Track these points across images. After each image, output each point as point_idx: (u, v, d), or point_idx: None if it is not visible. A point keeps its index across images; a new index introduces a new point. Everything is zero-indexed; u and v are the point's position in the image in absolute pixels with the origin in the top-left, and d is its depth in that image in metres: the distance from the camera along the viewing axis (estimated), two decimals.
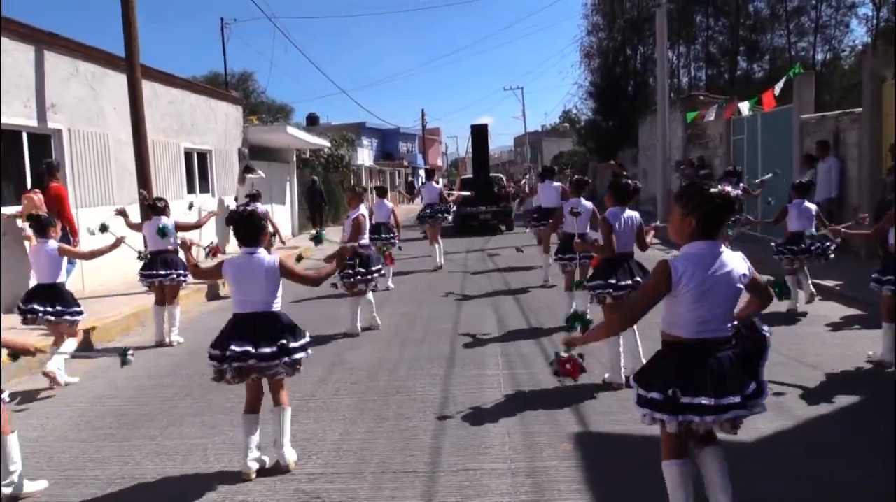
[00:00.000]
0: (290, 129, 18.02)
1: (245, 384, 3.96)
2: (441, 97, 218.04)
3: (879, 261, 5.99)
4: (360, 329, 7.47)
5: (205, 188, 15.15)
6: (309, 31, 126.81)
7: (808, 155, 12.61)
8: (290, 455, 4.00)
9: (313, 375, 5.89)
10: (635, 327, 4.78)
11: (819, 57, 33.35)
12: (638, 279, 5.24)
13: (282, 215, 19.29)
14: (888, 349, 5.41)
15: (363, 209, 7.66)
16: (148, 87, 12.60)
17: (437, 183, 14.71)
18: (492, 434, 4.38)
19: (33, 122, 9.48)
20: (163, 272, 7.42)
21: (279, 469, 3.96)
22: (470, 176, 22.67)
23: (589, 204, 6.99)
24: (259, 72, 68.71)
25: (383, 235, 10.32)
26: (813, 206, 7.57)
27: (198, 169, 14.82)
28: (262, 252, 3.98)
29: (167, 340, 7.45)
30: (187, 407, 5.24)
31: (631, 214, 5.39)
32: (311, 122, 44.76)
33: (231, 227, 4.02)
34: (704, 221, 2.77)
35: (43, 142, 9.88)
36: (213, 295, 10.50)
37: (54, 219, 6.11)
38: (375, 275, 7.48)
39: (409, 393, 5.27)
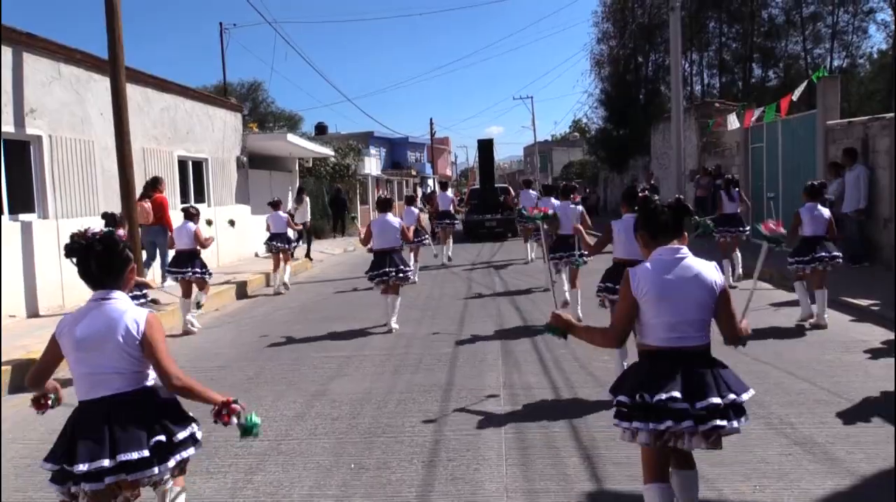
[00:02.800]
0: (291, 137, 17.43)
1: None
2: (450, 107, 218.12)
3: None
4: (395, 326, 8.07)
5: (200, 198, 14.55)
6: (315, 40, 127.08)
7: (833, 163, 11.89)
8: None
9: (291, 409, 5.25)
10: None
11: (836, 63, 32.54)
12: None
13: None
14: None
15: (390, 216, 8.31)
16: (139, 93, 12.08)
17: (450, 193, 16.77)
18: (487, 491, 3.70)
19: (10, 128, 8.92)
20: (183, 269, 8.54)
21: None
22: (477, 186, 24.52)
23: (558, 202, 7.88)
24: (268, 82, 68.22)
25: (415, 238, 11.61)
26: (826, 211, 7.26)
27: (193, 178, 14.24)
28: (119, 299, 2.70)
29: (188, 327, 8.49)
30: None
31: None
32: (320, 132, 44.36)
33: (72, 259, 2.73)
34: (647, 229, 2.89)
35: (21, 148, 9.32)
36: (241, 294, 11.64)
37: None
38: (407, 272, 8.14)
39: (397, 435, 4.60)
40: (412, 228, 10.27)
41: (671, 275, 2.74)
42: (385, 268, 7.90)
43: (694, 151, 20.70)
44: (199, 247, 8.64)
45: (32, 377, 2.80)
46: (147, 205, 10.72)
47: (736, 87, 33.34)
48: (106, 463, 2.45)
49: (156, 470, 2.55)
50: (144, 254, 10.73)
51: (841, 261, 7.24)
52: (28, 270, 9.12)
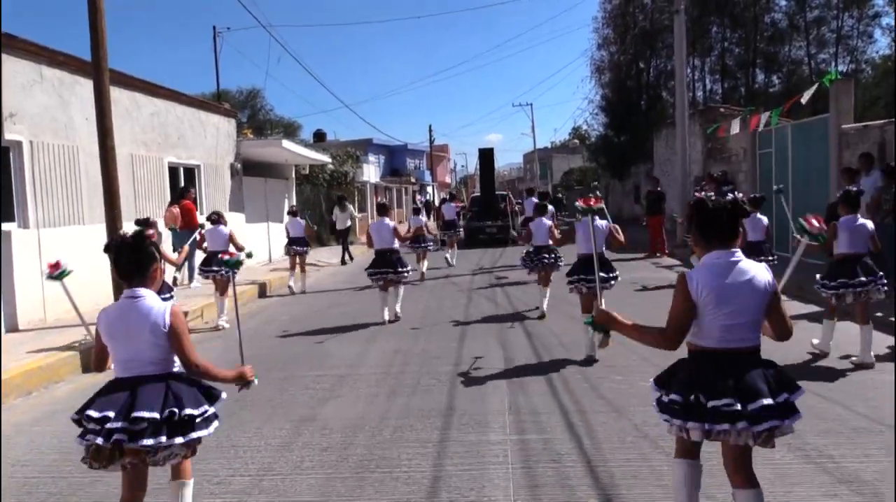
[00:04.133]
0: (286, 143, 16.99)
1: (122, 472, 2.92)
2: (449, 114, 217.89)
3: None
4: (387, 318, 8.91)
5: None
6: (313, 46, 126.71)
7: (847, 168, 11.42)
8: None
9: (277, 437, 4.79)
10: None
11: (840, 68, 32.16)
12: (606, 273, 6.67)
13: (279, 234, 18.23)
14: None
15: (387, 221, 9.24)
16: (127, 97, 11.67)
17: (455, 203, 18.49)
18: None
19: None
20: (215, 268, 9.10)
21: None
22: (478, 194, 25.70)
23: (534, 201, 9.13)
24: (264, 88, 67.64)
25: (421, 243, 13.76)
26: (870, 224, 6.11)
27: (184, 185, 13.79)
28: (148, 296, 2.96)
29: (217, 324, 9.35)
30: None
31: (600, 222, 6.67)
32: (319, 139, 44.01)
33: (110, 256, 3.04)
34: (703, 232, 2.80)
35: None
36: (262, 293, 12.61)
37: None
38: (404, 274, 9.12)
39: (391, 469, 4.13)
40: (413, 231, 12.40)
41: (728, 280, 2.71)
42: (383, 268, 8.98)
43: (699, 157, 20.27)
44: (233, 248, 9.05)
45: (95, 363, 3.16)
46: (176, 210, 11.93)
47: (738, 93, 33.00)
48: (111, 413, 2.73)
49: (163, 438, 2.75)
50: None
51: (885, 285, 6.08)
52: (7, 283, 8.66)
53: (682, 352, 2.90)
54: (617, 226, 7.04)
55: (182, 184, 13.66)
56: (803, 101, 13.79)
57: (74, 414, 2.90)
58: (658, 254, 16.21)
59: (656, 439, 4.35)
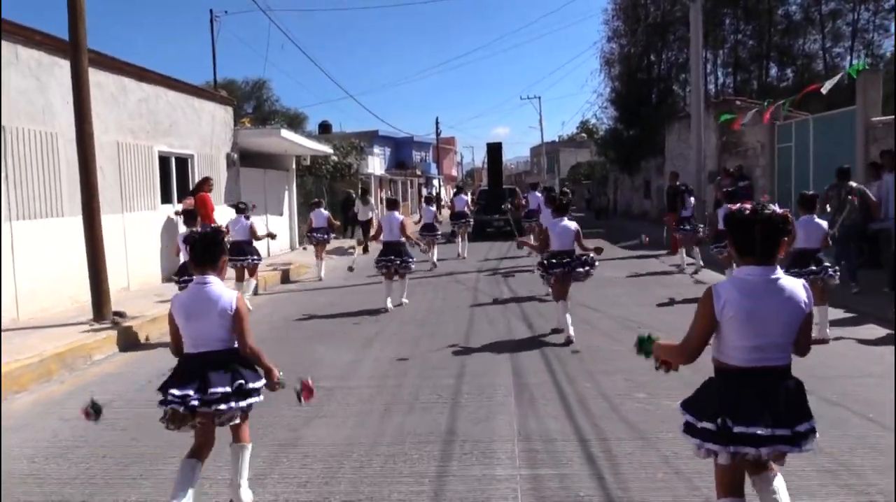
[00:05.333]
0: (285, 133, 16.28)
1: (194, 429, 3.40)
2: (456, 106, 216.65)
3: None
4: (390, 306, 9.38)
5: (185, 197, 13.45)
6: (318, 35, 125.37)
7: (873, 163, 10.76)
8: (247, 496, 3.57)
9: (251, 467, 4.12)
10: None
11: (855, 62, 31.26)
12: (570, 264, 7.39)
13: (279, 227, 17.61)
14: None
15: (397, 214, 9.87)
16: (113, 81, 11.02)
17: (466, 195, 19.34)
18: None
19: None
20: (239, 257, 9.86)
21: None
22: (485, 187, 26.83)
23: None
24: (263, 75, 66.73)
25: (431, 232, 14.62)
26: (823, 223, 6.86)
27: (176, 175, 13.16)
28: (215, 283, 3.42)
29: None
30: None
31: (567, 223, 7.52)
32: (324, 130, 43.31)
33: (189, 248, 3.50)
34: (738, 244, 2.65)
35: None
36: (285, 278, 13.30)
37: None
38: (409, 263, 9.66)
39: None
40: (422, 223, 14.82)
41: (761, 300, 2.57)
42: (390, 257, 9.51)
43: (713, 152, 19.54)
44: (253, 239, 10.16)
45: (174, 346, 3.51)
46: (190, 201, 12.05)
47: (750, 87, 32.15)
48: (191, 392, 3.22)
49: (233, 404, 3.28)
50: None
51: (837, 272, 6.93)
52: None
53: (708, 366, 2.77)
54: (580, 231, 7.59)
55: (174, 173, 13.03)
56: (824, 90, 13.22)
57: (159, 391, 3.33)
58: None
59: (691, 476, 3.71)
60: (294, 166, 20.39)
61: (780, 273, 2.61)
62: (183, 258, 9.13)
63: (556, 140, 70.07)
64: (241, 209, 10.46)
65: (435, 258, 14.44)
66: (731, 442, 2.54)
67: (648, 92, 32.44)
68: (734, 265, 2.77)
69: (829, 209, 9.11)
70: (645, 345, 2.94)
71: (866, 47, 31.73)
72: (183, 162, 13.47)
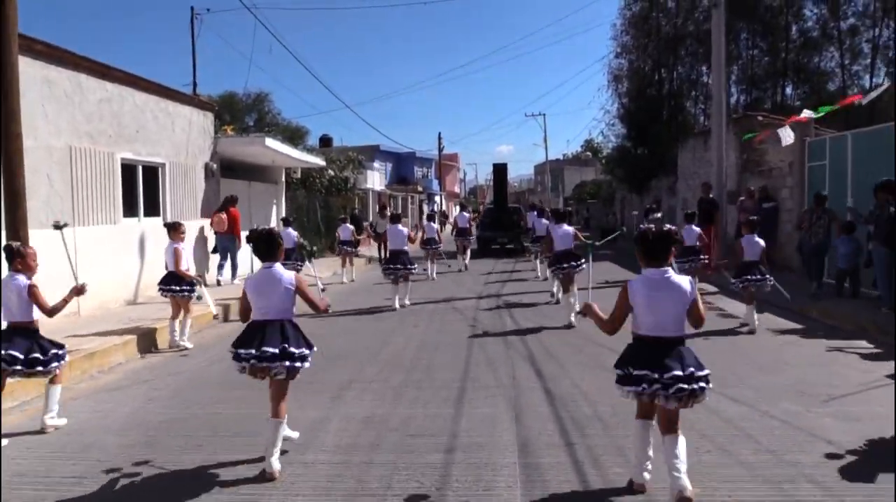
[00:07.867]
0: (269, 142, 14.91)
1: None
2: (459, 121, 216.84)
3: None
4: (398, 305, 11.03)
5: (153, 211, 12.12)
6: (318, 48, 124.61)
7: None
8: (276, 465, 4.13)
9: None
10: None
11: (876, 80, 30.05)
12: (573, 263, 9.48)
13: None
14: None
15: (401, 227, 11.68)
16: (67, 78, 9.74)
17: (468, 213, 20.48)
18: None
19: None
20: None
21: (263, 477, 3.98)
22: (491, 206, 28.58)
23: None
24: (275, 92, 65.67)
25: (432, 245, 15.97)
26: (761, 241, 8.77)
27: (143, 186, 11.82)
28: (278, 267, 4.41)
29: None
30: None
31: (567, 228, 9.73)
32: (325, 144, 42.22)
33: (251, 245, 4.47)
34: (644, 253, 3.74)
35: None
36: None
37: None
38: (412, 269, 11.30)
39: None
40: (423, 236, 16.19)
41: (657, 291, 3.66)
42: (395, 265, 11.08)
43: (733, 171, 18.17)
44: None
45: (242, 315, 4.52)
46: (224, 216, 13.53)
47: (764, 104, 30.90)
48: (253, 351, 4.21)
49: (278, 364, 4.22)
50: (218, 257, 13.73)
51: (771, 281, 8.79)
52: None
53: None
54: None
55: (140, 183, 11.68)
56: (863, 101, 12.15)
57: (231, 347, 4.35)
58: (709, 271, 13.82)
59: None
60: (283, 179, 19.11)
61: (671, 272, 3.70)
62: (170, 268, 8.49)
63: (561, 158, 68.97)
64: (287, 219, 12.17)
65: (434, 275, 15.68)
66: (633, 382, 3.62)
67: (659, 109, 31.23)
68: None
69: (801, 229, 11.01)
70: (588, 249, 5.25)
71: (888, 65, 30.46)
72: (152, 171, 12.15)
